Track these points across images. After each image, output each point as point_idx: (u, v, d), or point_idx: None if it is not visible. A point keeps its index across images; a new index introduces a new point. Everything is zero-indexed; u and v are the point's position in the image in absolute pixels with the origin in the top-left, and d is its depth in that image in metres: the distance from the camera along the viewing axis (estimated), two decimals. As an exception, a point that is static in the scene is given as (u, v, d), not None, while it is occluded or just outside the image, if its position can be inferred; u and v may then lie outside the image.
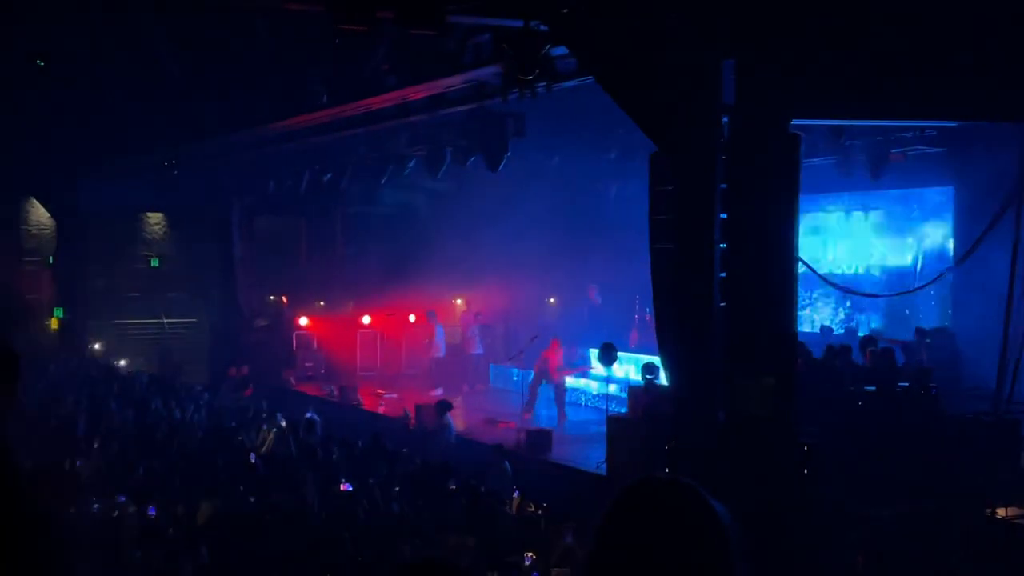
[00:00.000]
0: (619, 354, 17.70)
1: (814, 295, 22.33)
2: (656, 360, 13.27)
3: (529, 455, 15.60)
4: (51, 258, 27.45)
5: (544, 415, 19.04)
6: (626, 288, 22.51)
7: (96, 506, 11.09)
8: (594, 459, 14.50)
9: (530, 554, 8.45)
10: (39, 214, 27.36)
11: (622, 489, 2.12)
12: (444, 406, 17.25)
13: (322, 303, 27.01)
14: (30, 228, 27.42)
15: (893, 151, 17.41)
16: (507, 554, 9.05)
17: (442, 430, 16.83)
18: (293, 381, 24.46)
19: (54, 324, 27.21)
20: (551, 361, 19.33)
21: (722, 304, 10.24)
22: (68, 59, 17.67)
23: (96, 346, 27.02)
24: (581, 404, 20.27)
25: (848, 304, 21.91)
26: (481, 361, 23.52)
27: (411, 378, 24.10)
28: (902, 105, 10.83)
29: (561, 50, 11.43)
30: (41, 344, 26.14)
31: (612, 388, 17.52)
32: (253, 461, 13.55)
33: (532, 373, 19.56)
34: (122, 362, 25.82)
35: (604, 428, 14.39)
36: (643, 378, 15.18)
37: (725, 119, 10.30)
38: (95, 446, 14.33)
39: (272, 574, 9.22)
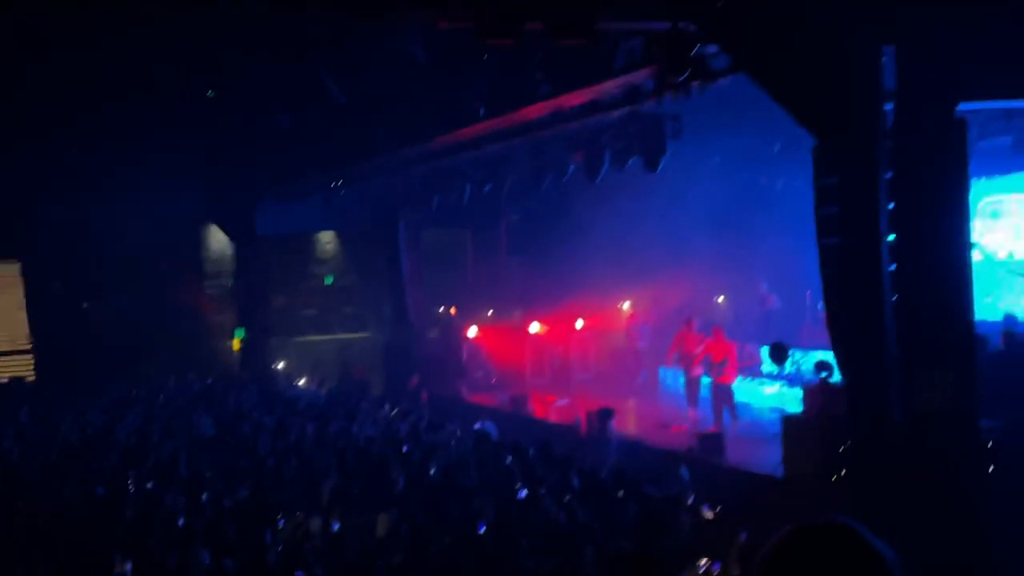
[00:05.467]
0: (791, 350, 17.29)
1: (1000, 281, 21.31)
2: (830, 357, 12.92)
3: (702, 459, 15.36)
4: (230, 281, 28.68)
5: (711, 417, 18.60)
6: (798, 283, 21.93)
7: (282, 522, 11.49)
8: (770, 461, 14.20)
9: (703, 561, 8.35)
10: (218, 239, 28.61)
11: (777, 539, 2.04)
12: (605, 413, 17.19)
13: (491, 312, 27.26)
14: (210, 254, 28.72)
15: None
16: (681, 560, 8.95)
17: (604, 437, 16.76)
18: (465, 391, 24.75)
19: (236, 345, 28.37)
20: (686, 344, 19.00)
21: (895, 297, 9.91)
22: (237, 91, 18.44)
23: (279, 366, 28.02)
24: (753, 405, 19.85)
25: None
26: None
27: (582, 384, 24.06)
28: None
29: (713, 48, 11.26)
30: (224, 365, 27.35)
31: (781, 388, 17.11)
32: (431, 473, 13.79)
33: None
34: (302, 380, 26.71)
35: (779, 428, 14.07)
36: (816, 376, 14.81)
37: (888, 106, 9.98)
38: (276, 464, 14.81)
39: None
